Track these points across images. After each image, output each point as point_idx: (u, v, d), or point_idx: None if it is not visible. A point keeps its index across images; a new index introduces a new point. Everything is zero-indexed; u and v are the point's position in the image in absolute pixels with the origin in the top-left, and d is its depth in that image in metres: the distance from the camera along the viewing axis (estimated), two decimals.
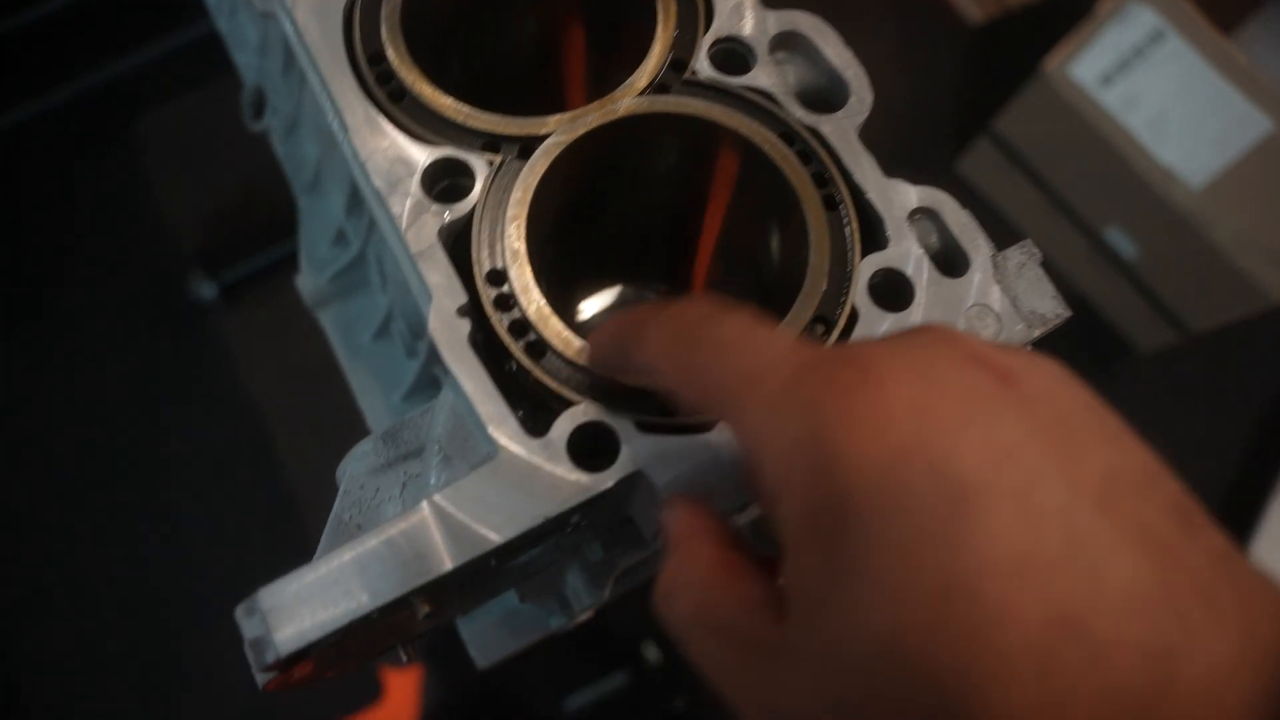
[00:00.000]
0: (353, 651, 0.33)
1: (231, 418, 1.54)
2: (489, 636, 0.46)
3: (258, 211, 1.65)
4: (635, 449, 0.29)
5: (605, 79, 0.37)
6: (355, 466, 0.34)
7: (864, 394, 0.24)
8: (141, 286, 1.61)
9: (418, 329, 0.49)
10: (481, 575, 0.30)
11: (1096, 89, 1.33)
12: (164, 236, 1.64)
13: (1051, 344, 1.44)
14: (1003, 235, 0.42)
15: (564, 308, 0.42)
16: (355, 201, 0.53)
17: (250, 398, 1.54)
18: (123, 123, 1.69)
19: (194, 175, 1.68)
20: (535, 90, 0.45)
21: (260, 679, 0.29)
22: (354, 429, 0.57)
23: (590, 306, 0.49)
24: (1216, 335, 1.51)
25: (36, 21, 1.38)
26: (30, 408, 1.52)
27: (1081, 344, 1.67)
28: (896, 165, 0.40)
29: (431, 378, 0.51)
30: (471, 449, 0.30)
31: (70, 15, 1.38)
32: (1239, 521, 1.50)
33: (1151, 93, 1.28)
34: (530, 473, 0.28)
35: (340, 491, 0.34)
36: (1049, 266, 0.35)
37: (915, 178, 0.38)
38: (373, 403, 0.53)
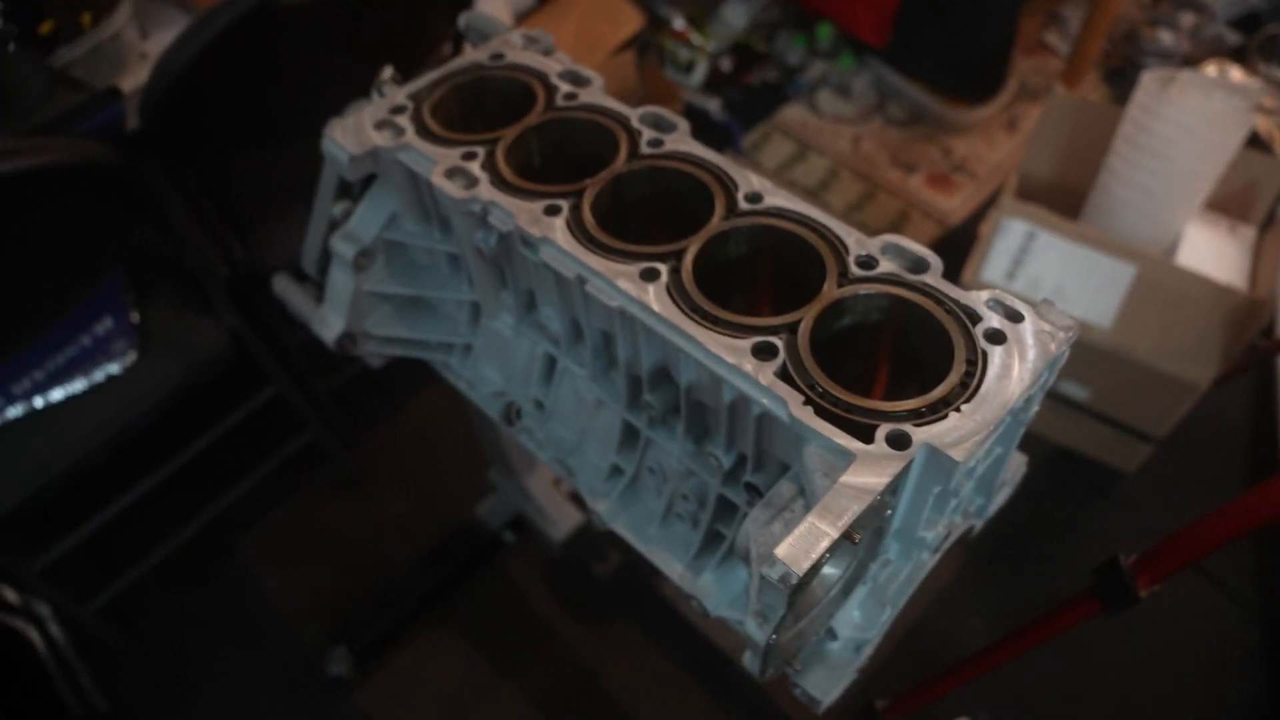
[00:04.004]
0: None
1: None
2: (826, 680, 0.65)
3: (361, 589, 1.86)
4: (919, 436, 0.54)
5: (795, 294, 0.68)
6: (752, 527, 0.57)
7: None
8: (272, 684, 1.74)
9: (702, 500, 0.74)
10: (878, 520, 0.52)
11: (1006, 284, 1.72)
12: (283, 636, 1.81)
13: (1053, 486, 1.78)
14: None
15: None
16: (625, 441, 0.79)
17: None
18: (224, 548, 1.93)
19: (298, 576, 1.90)
20: (753, 305, 0.74)
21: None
22: None
23: None
24: (1180, 433, 1.79)
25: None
26: None
27: (1079, 483, 1.93)
28: None
29: (714, 534, 0.75)
30: (836, 466, 0.54)
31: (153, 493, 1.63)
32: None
33: (1045, 274, 1.67)
34: (873, 459, 0.53)
35: (751, 543, 0.57)
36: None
37: None
38: (673, 568, 0.75)
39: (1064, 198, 1.84)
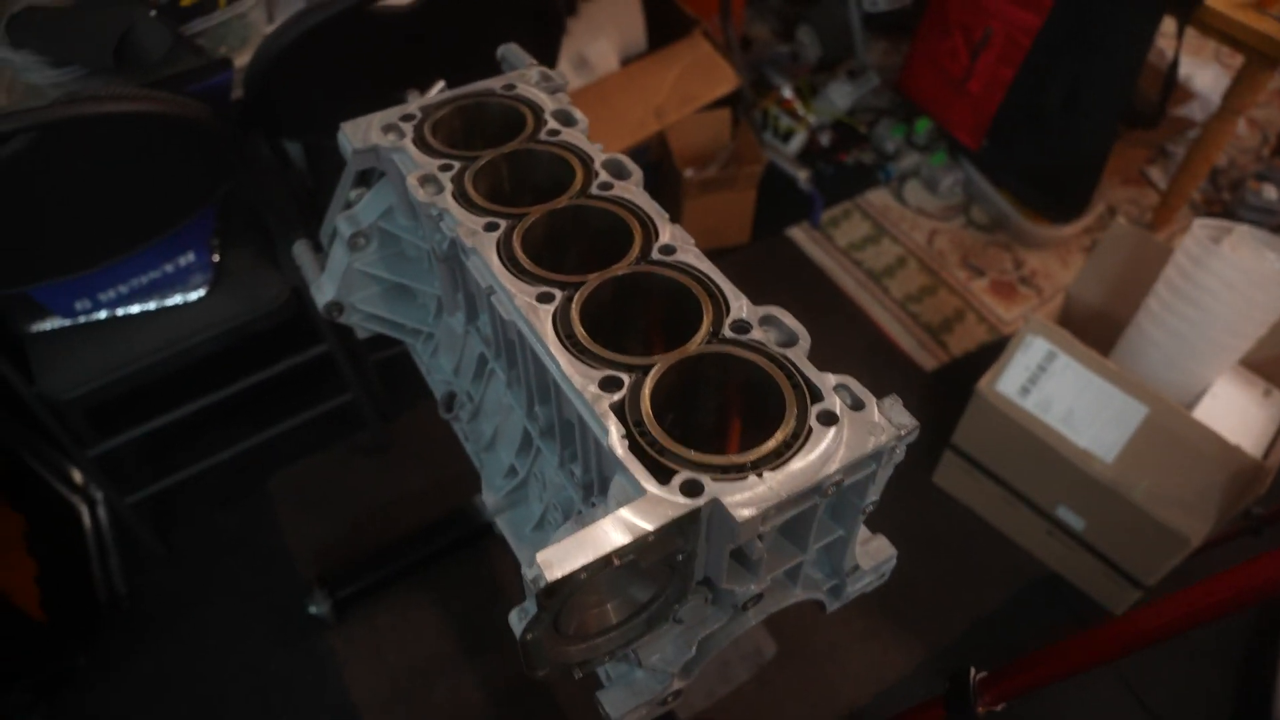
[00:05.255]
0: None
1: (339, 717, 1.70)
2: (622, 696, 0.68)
3: (362, 545, 1.95)
4: (710, 489, 0.57)
5: (676, 342, 0.72)
6: (559, 534, 0.61)
7: None
8: (270, 605, 1.85)
9: (568, 512, 0.77)
10: (659, 556, 0.55)
11: (1019, 398, 1.68)
12: (287, 569, 1.92)
13: (1038, 611, 1.74)
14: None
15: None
16: (523, 446, 0.83)
17: (354, 703, 1.71)
18: (258, 480, 2.06)
19: (311, 519, 2.01)
20: (641, 345, 0.78)
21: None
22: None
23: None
24: (1172, 585, 1.70)
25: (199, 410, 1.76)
26: (162, 706, 1.70)
27: (1064, 613, 1.85)
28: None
29: None
30: (630, 499, 0.58)
31: (217, 405, 1.76)
32: None
33: (1058, 396, 1.63)
34: (660, 501, 0.56)
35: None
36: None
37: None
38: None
39: (1105, 327, 1.78)
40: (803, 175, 2.67)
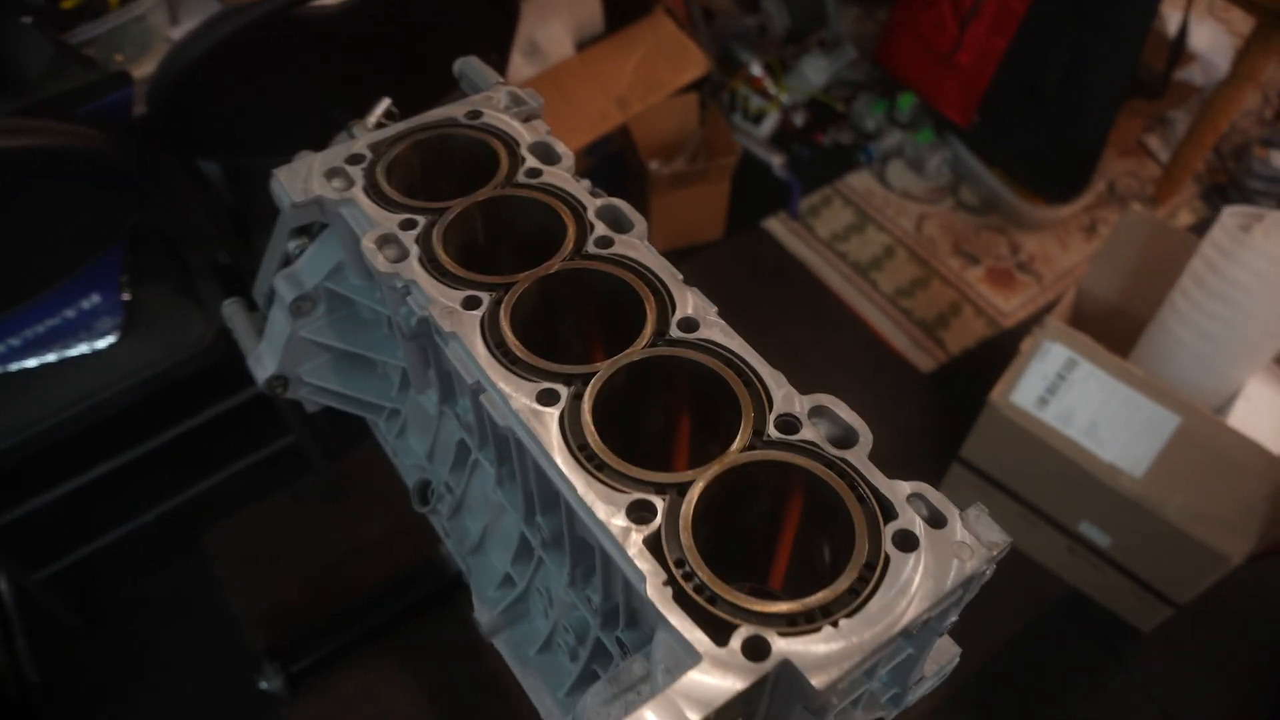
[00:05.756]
0: None
1: None
2: None
3: (318, 605, 1.85)
4: (779, 648, 0.49)
5: (708, 446, 0.63)
6: (591, 700, 0.53)
7: None
8: (212, 683, 1.74)
9: (582, 636, 0.69)
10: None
11: (1036, 410, 1.63)
12: (231, 636, 1.81)
13: (1060, 634, 1.68)
14: None
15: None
16: (521, 553, 0.75)
17: None
18: (191, 537, 1.94)
19: (257, 579, 1.90)
20: (667, 454, 0.70)
21: None
22: None
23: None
24: (1208, 599, 1.68)
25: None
26: None
27: (1088, 633, 1.82)
28: None
29: (591, 674, 0.70)
30: (683, 662, 0.49)
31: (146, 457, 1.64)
32: None
33: (1080, 407, 1.59)
34: (722, 664, 0.48)
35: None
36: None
37: None
38: (543, 700, 0.70)
39: (1121, 324, 1.74)
40: (777, 160, 2.60)
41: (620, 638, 0.62)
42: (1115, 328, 1.73)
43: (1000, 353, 2.25)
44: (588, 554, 0.64)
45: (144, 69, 1.27)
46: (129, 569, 1.87)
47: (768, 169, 2.60)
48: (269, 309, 0.92)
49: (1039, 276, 2.41)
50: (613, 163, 2.40)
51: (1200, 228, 2.53)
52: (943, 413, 2.13)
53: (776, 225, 2.52)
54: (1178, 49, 2.20)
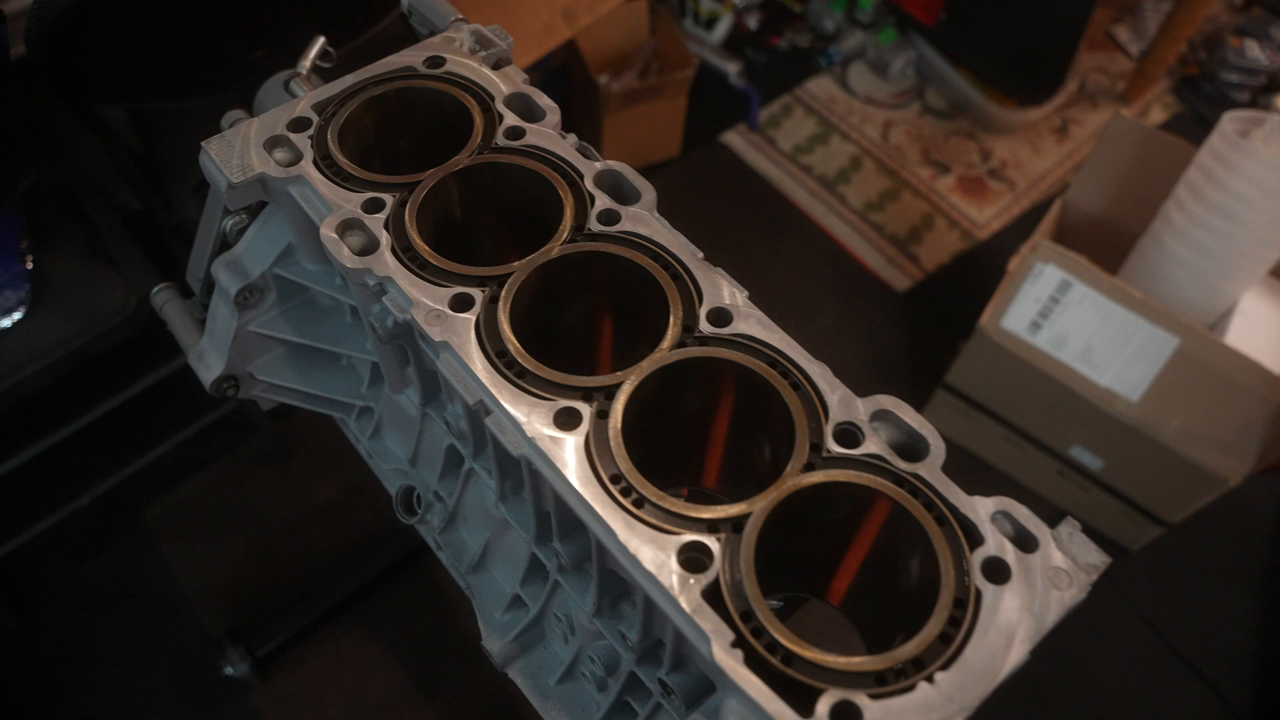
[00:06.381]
0: None
1: None
2: None
3: (275, 575, 1.77)
4: (875, 716, 0.44)
5: (750, 471, 0.57)
6: None
7: None
8: (169, 669, 1.67)
9: (612, 667, 0.63)
10: None
11: (1029, 335, 1.60)
12: (185, 617, 1.73)
13: None
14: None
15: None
16: (532, 574, 0.68)
17: None
18: (132, 515, 1.83)
19: (206, 553, 1.81)
20: (699, 466, 0.63)
21: None
22: None
23: None
24: (1196, 516, 1.70)
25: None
26: None
27: None
28: None
29: (623, 704, 0.64)
30: None
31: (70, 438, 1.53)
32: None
33: (1074, 331, 1.55)
34: None
35: None
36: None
37: None
38: None
39: (1110, 238, 1.71)
40: (733, 69, 2.48)
41: (664, 680, 0.56)
42: (1103, 242, 1.70)
43: (976, 267, 2.21)
44: (618, 583, 0.58)
45: (16, 2, 1.11)
46: (65, 557, 1.76)
47: (723, 78, 2.48)
48: (206, 296, 0.82)
49: (1012, 184, 2.36)
50: (556, 78, 2.26)
51: (1174, 124, 2.50)
52: (920, 333, 2.09)
53: (736, 139, 2.42)
54: None
